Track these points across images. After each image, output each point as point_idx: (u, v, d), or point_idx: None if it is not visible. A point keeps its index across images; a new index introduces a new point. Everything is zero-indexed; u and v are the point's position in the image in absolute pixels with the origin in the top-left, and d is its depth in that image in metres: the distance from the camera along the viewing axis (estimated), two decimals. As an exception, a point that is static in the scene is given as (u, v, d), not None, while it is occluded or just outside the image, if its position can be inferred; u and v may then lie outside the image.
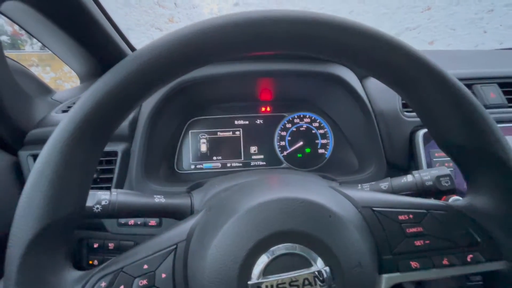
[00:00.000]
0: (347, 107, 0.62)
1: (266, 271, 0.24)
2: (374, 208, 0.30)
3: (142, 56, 0.25)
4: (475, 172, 0.30)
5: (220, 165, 0.71)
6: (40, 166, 0.24)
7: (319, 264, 0.25)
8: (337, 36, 0.25)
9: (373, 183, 0.46)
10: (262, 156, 0.72)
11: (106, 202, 0.39)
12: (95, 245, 0.60)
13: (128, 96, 0.25)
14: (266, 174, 0.50)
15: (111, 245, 0.60)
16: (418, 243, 0.29)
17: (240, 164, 0.72)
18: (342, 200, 0.31)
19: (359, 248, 0.26)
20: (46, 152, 0.25)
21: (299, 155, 0.72)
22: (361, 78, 0.62)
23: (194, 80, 0.57)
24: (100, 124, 0.25)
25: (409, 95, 0.29)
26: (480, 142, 0.27)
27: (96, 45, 0.69)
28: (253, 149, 0.72)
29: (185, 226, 0.30)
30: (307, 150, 0.72)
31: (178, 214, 0.43)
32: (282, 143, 0.72)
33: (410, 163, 0.59)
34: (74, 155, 0.25)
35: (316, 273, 0.24)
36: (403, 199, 0.32)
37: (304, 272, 0.24)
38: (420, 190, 0.42)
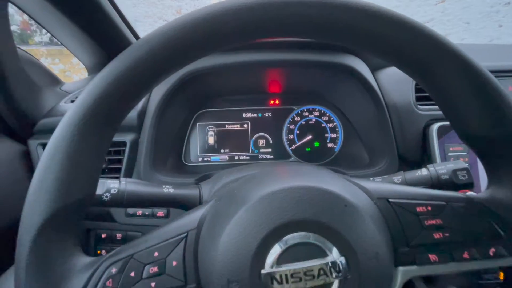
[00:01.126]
0: (359, 99, 0.61)
1: (279, 260, 0.23)
2: (390, 200, 0.29)
3: (152, 39, 0.24)
4: (498, 163, 0.28)
5: (227, 158, 0.71)
6: (51, 150, 0.24)
7: (335, 254, 0.24)
8: (356, 20, 0.24)
9: (385, 176, 0.45)
10: (270, 150, 0.71)
11: (115, 190, 0.39)
12: (103, 236, 0.60)
13: (138, 81, 0.24)
14: (275, 166, 0.49)
15: (118, 236, 0.60)
16: (437, 235, 0.27)
17: (248, 157, 0.71)
18: (357, 190, 0.30)
19: (375, 239, 0.25)
20: (57, 136, 0.24)
21: (308, 149, 0.71)
22: (374, 70, 0.61)
23: (202, 70, 0.56)
24: (111, 108, 0.25)
25: (430, 82, 0.27)
26: (505, 130, 0.26)
27: (104, 36, 0.68)
28: (261, 142, 0.72)
29: (195, 215, 0.29)
30: (316, 144, 0.71)
31: (186, 205, 0.43)
32: (291, 136, 0.71)
33: (423, 157, 0.57)
34: (85, 139, 0.24)
35: (331, 263, 0.23)
36: (420, 191, 0.30)
37: (319, 262, 0.23)
38: (436, 184, 0.41)
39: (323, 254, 0.24)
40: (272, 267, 0.23)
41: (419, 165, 0.59)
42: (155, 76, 0.25)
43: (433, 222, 0.28)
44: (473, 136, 0.28)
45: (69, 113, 0.25)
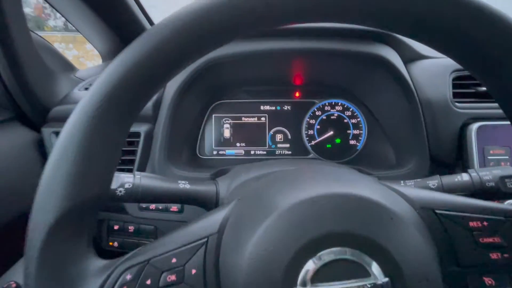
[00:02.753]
0: (389, 93, 0.56)
1: (314, 278, 0.20)
2: (437, 211, 0.25)
3: (180, 18, 0.21)
4: None
5: (243, 152, 0.68)
6: (63, 142, 0.21)
7: (378, 275, 0.21)
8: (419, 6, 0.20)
9: (418, 180, 0.41)
10: (288, 145, 0.68)
11: (129, 185, 0.37)
12: (115, 227, 0.59)
13: (164, 63, 0.22)
14: (299, 164, 0.46)
15: (131, 228, 0.59)
16: (494, 256, 0.24)
17: (264, 152, 0.68)
18: (397, 198, 0.26)
19: (425, 259, 0.22)
20: (70, 126, 0.22)
21: (328, 146, 0.67)
22: (406, 62, 0.55)
23: (221, 58, 0.53)
24: (131, 95, 0.22)
25: (492, 75, 0.23)
26: None
27: (119, 21, 0.66)
28: (279, 137, 0.68)
29: (216, 217, 0.26)
30: (337, 140, 0.67)
31: (202, 202, 0.41)
32: (311, 131, 0.67)
33: (457, 160, 0.53)
34: (100, 130, 0.22)
35: (374, 285, 0.20)
36: (472, 202, 0.27)
37: (359, 283, 0.20)
38: (478, 192, 0.37)
39: (365, 273, 0.21)
40: (305, 285, 0.20)
41: (452, 168, 0.54)
42: (182, 59, 0.22)
43: (490, 240, 0.24)
44: None
45: (84, 100, 0.22)
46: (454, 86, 0.53)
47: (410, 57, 0.56)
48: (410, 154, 0.55)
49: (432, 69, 0.54)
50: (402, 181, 0.42)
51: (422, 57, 0.58)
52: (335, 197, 0.22)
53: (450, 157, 0.53)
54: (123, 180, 0.37)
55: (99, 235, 0.60)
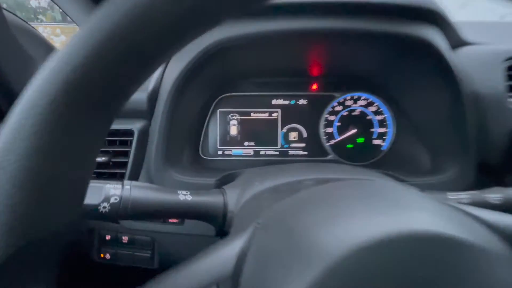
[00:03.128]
0: (428, 85, 0.47)
1: None
2: None
3: None
4: None
5: (252, 152, 0.60)
6: None
7: None
8: None
9: (474, 192, 0.33)
10: (303, 145, 0.60)
11: (116, 199, 0.30)
12: (107, 237, 0.52)
13: (146, 36, 0.14)
14: (322, 170, 0.38)
15: (125, 239, 0.52)
16: None
17: (276, 153, 0.60)
18: (479, 228, 0.18)
19: None
20: (9, 130, 0.14)
21: (349, 146, 0.59)
22: (455, 46, 0.46)
23: (228, 41, 0.44)
24: (107, 81, 0.15)
25: None
26: None
27: None
28: (293, 135, 0.60)
29: (228, 253, 0.20)
30: (360, 140, 0.59)
31: (207, 216, 0.34)
32: (329, 129, 0.59)
33: (509, 167, 0.44)
34: (57, 133, 0.14)
35: None
36: None
37: None
38: None
39: None
40: None
41: (500, 176, 0.46)
42: (172, 37, 0.14)
43: None
44: None
45: (29, 91, 0.14)
46: (509, 77, 0.44)
47: (455, 42, 0.47)
48: (451, 158, 0.47)
49: (481, 57, 0.45)
50: (447, 193, 0.34)
51: (466, 43, 0.49)
52: (407, 238, 0.14)
53: (500, 163, 0.44)
54: (108, 193, 0.30)
55: (89, 247, 0.53)
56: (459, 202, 0.33)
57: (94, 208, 0.30)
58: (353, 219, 0.17)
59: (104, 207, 0.30)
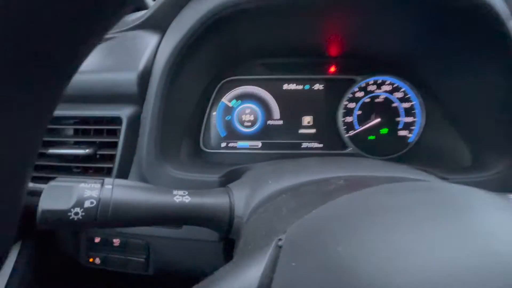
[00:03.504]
0: (477, 62, 0.39)
1: None
2: None
3: None
4: None
5: (260, 144, 0.53)
6: None
7: None
8: None
9: None
10: (318, 136, 0.52)
11: (92, 202, 0.23)
12: (97, 240, 0.46)
13: None
14: (353, 169, 0.30)
15: (116, 241, 0.46)
16: None
17: (288, 145, 0.53)
18: None
19: None
20: None
21: (371, 137, 0.52)
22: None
23: (234, 5, 0.35)
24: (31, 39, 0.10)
25: None
26: None
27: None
28: (307, 125, 0.53)
29: (248, 282, 0.15)
30: (383, 130, 0.52)
31: (209, 222, 0.28)
32: (349, 119, 0.52)
33: None
34: None
35: None
36: None
37: None
38: None
39: None
40: None
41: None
42: None
43: None
44: None
45: None
46: None
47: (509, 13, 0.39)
48: (499, 152, 0.39)
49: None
50: (509, 195, 0.27)
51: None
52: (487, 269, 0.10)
53: None
54: (81, 195, 0.24)
55: (76, 250, 0.47)
56: None
57: (64, 215, 0.23)
58: (424, 246, 0.11)
59: (77, 214, 0.23)
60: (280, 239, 0.17)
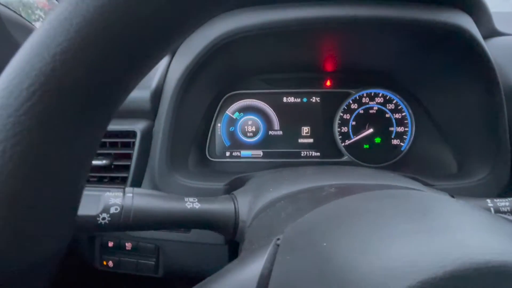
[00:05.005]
0: (458, 78, 0.43)
1: None
2: None
3: None
4: None
5: (262, 153, 0.56)
6: None
7: None
8: None
9: None
10: (316, 145, 0.56)
11: (117, 208, 0.27)
12: (110, 244, 0.49)
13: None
14: (346, 177, 0.34)
15: (128, 245, 0.49)
16: None
17: (287, 154, 0.56)
18: None
19: None
20: None
21: (366, 146, 0.55)
22: (486, 37, 0.42)
23: (236, 33, 0.39)
24: (98, 74, 0.13)
25: None
26: None
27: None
28: (305, 135, 0.56)
29: (247, 278, 0.17)
30: (377, 140, 0.55)
31: (216, 226, 0.31)
32: (344, 129, 0.55)
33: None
34: (39, 141, 0.12)
35: None
36: None
37: None
38: None
39: None
40: None
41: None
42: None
43: None
44: None
45: None
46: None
47: (486, 32, 0.43)
48: (482, 160, 0.43)
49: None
50: (488, 200, 0.31)
51: (499, 33, 0.44)
52: (479, 272, 0.11)
53: None
54: (107, 202, 0.27)
55: (91, 254, 0.50)
56: (499, 210, 0.30)
57: (93, 220, 0.26)
58: (406, 243, 0.13)
59: (104, 218, 0.27)
60: (278, 239, 0.19)
